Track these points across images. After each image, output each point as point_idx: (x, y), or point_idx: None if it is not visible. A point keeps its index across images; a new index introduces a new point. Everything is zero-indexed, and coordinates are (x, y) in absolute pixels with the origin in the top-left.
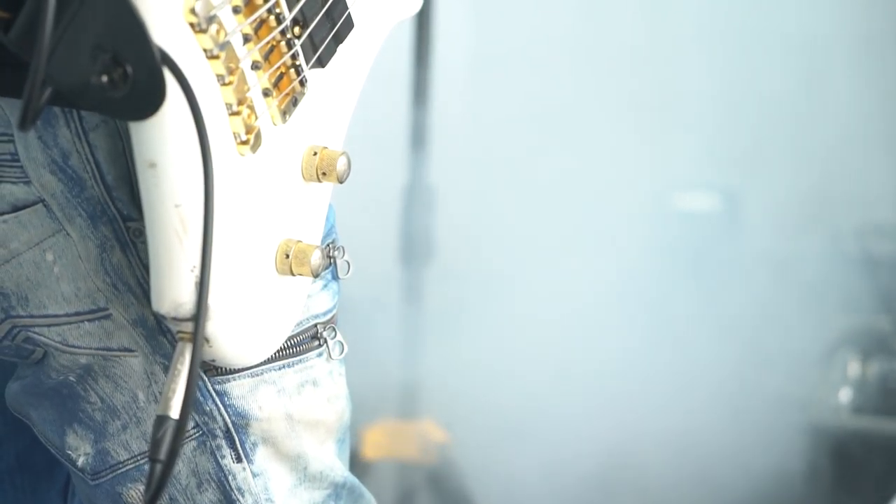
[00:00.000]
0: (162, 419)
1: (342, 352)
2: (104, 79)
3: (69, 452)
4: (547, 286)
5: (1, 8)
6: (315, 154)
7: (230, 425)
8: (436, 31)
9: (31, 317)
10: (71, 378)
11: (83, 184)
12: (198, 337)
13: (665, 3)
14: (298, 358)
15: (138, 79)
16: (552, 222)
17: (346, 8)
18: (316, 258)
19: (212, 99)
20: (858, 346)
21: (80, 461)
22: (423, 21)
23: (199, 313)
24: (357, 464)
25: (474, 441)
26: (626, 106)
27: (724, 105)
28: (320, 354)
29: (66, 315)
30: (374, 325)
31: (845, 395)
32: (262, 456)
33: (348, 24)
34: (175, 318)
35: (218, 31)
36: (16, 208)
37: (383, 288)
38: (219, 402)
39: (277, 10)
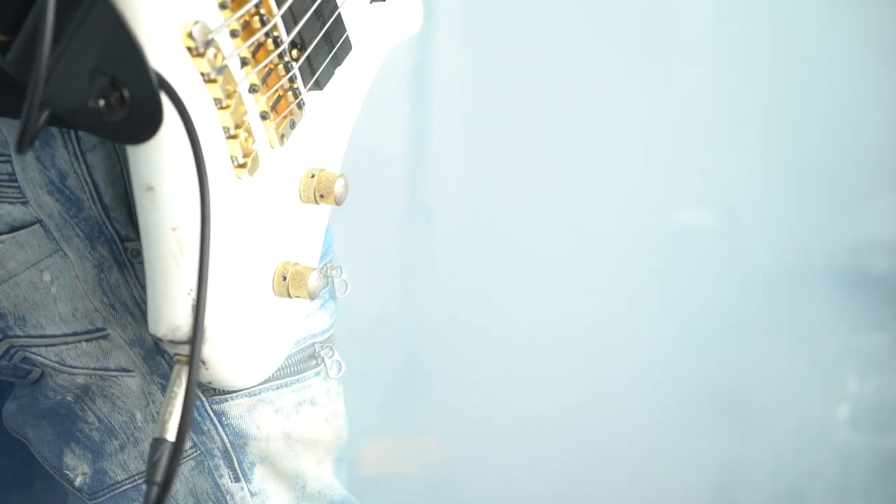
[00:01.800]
0: (158, 441)
1: (340, 371)
2: (101, 102)
3: (67, 472)
4: (545, 303)
5: None
6: (313, 176)
7: (228, 445)
8: (434, 49)
9: (29, 337)
10: (68, 398)
11: (81, 204)
12: (194, 360)
13: (665, 16)
14: (296, 377)
15: (135, 102)
16: (550, 239)
17: (345, 30)
18: (313, 280)
19: (209, 123)
20: (856, 363)
21: (78, 481)
22: (421, 40)
23: (195, 336)
24: (356, 480)
25: (473, 458)
26: (625, 121)
27: (723, 120)
28: (318, 374)
29: (64, 335)
30: (372, 342)
31: (843, 411)
32: (260, 475)
33: (346, 47)
34: (172, 341)
35: (215, 55)
36: (13, 228)
37: (382, 305)
38: (217, 422)
39: (275, 34)
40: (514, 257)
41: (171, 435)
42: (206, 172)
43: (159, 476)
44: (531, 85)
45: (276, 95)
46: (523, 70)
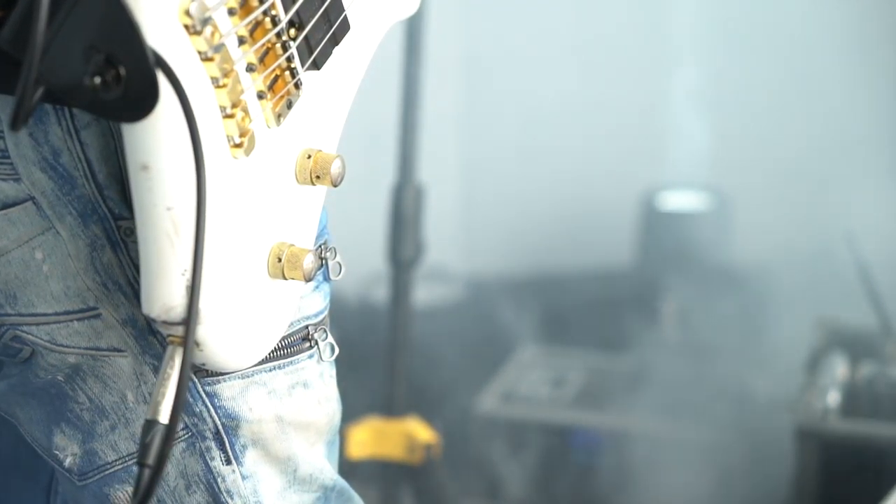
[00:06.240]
0: (151, 423)
1: (333, 353)
2: (97, 80)
3: (56, 453)
4: (538, 288)
5: None
6: (309, 157)
7: (220, 427)
8: (427, 28)
9: (20, 315)
10: (59, 378)
11: (74, 182)
12: (188, 341)
13: (659, 3)
14: (289, 359)
15: (131, 81)
16: (541, 222)
17: (343, 10)
18: (308, 262)
19: (205, 101)
20: (847, 350)
21: (68, 461)
22: (414, 18)
23: (190, 318)
24: (342, 463)
25: (460, 440)
26: (618, 106)
27: (717, 106)
28: (311, 356)
29: (55, 314)
30: (361, 324)
31: (834, 398)
32: (251, 458)
33: (345, 27)
34: (165, 322)
35: (213, 34)
36: (5, 205)
37: (371, 286)
38: (209, 404)
39: (273, 13)
40: (504, 239)
41: (163, 417)
42: (202, 152)
43: (151, 458)
44: (525, 65)
45: (273, 75)
46: (517, 49)
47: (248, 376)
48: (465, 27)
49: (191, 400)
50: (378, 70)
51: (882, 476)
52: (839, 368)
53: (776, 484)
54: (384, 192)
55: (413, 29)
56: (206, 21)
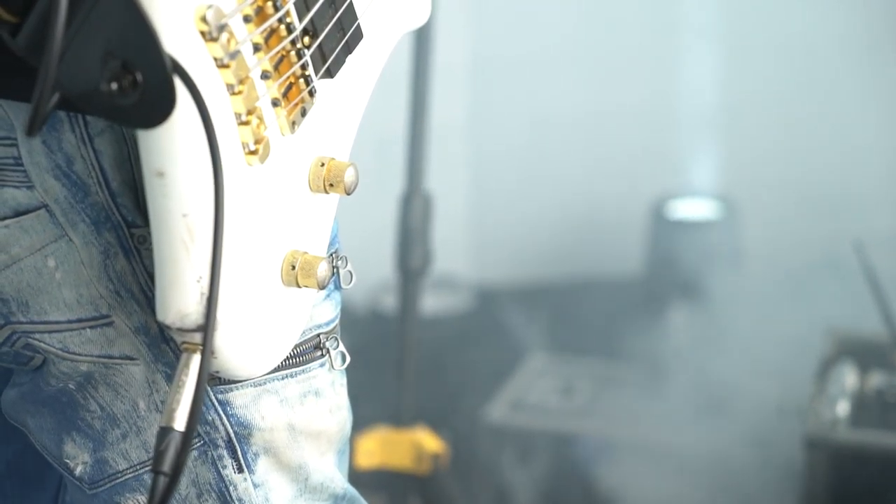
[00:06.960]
0: (165, 431)
1: (344, 362)
2: (114, 86)
3: (67, 461)
4: (546, 297)
5: (9, 11)
6: (323, 165)
7: (232, 435)
8: (435, 36)
9: (32, 323)
10: (70, 386)
11: (87, 189)
12: (206, 348)
13: (665, 10)
14: (301, 368)
15: (148, 86)
16: (550, 230)
17: (356, 18)
18: (322, 270)
19: (221, 108)
20: (857, 359)
21: (78, 470)
22: (422, 26)
23: (207, 325)
24: (349, 472)
25: (468, 449)
26: (627, 115)
27: (724, 113)
28: (323, 364)
29: (68, 322)
30: (369, 332)
31: (843, 408)
32: (263, 466)
33: (357, 35)
34: (180, 329)
35: (229, 40)
36: (18, 213)
37: (380, 295)
38: (221, 412)
39: (288, 20)
40: (513, 246)
41: (178, 424)
42: (220, 158)
43: (167, 466)
44: (533, 71)
45: (287, 82)
46: (525, 56)
47: (260, 384)
48: (473, 35)
49: (203, 408)
50: (386, 78)
51: (891, 486)
52: (848, 378)
53: (785, 493)
54: (392, 200)
55: (421, 37)
56: (222, 28)
